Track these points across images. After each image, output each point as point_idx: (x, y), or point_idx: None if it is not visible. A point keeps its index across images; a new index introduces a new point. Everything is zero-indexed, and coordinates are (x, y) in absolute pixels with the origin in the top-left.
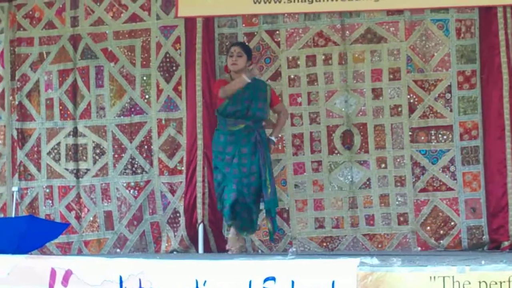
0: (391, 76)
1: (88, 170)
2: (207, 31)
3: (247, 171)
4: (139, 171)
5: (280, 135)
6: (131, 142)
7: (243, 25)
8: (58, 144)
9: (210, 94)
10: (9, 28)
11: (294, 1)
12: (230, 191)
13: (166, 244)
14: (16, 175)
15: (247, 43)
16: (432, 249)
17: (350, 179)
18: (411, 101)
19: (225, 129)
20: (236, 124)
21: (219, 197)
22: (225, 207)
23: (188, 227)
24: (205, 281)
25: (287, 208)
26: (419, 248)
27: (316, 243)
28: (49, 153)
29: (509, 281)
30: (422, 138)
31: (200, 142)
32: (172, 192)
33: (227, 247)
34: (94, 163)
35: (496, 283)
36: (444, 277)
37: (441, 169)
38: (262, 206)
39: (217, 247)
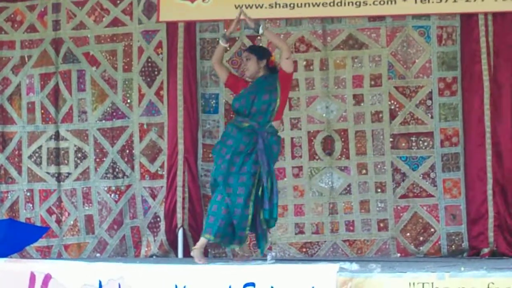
0: (372, 82)
1: (69, 174)
2: (188, 36)
3: (235, 171)
4: (120, 175)
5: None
6: (112, 146)
7: (225, 30)
8: (40, 147)
9: (191, 99)
10: None
11: (276, 7)
12: (215, 202)
13: (146, 249)
14: None
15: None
16: (411, 256)
17: (331, 185)
18: (392, 107)
19: (234, 123)
20: (242, 122)
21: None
22: (209, 218)
23: (168, 232)
24: (184, 286)
25: None
26: (399, 255)
27: (296, 249)
28: (30, 157)
29: None
30: (403, 144)
31: (180, 147)
32: (153, 196)
33: (196, 260)
34: (76, 167)
35: None
36: (423, 284)
37: (421, 175)
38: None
39: None
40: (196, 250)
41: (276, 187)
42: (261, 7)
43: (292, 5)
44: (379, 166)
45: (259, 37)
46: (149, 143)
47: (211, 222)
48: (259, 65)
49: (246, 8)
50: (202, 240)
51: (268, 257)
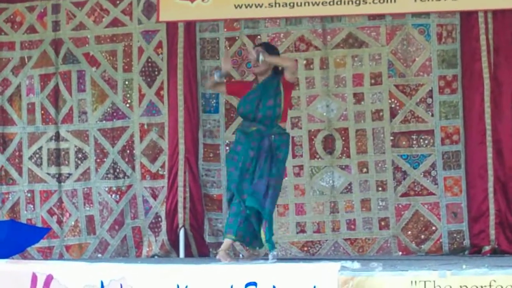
0: (373, 81)
1: (70, 174)
2: (188, 35)
3: (249, 177)
4: (121, 175)
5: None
6: (113, 147)
7: (225, 29)
8: (40, 148)
9: (191, 99)
10: None
11: (276, 6)
12: (234, 204)
13: (147, 249)
14: None
15: (269, 42)
16: (413, 254)
17: (332, 184)
18: (393, 105)
19: (242, 128)
20: (249, 127)
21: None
22: (228, 220)
23: (169, 232)
24: (186, 286)
25: None
26: (400, 253)
27: (297, 248)
28: (30, 158)
29: (490, 286)
30: (404, 142)
31: (181, 147)
32: (154, 196)
33: (217, 257)
34: (76, 167)
35: None
36: (425, 282)
37: (422, 173)
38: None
39: (198, 251)
40: (221, 252)
41: (274, 188)
42: (260, 7)
43: (292, 4)
44: (380, 165)
45: (259, 36)
46: (150, 143)
47: (231, 223)
48: (270, 64)
49: (246, 8)
50: (226, 241)
51: (270, 257)
